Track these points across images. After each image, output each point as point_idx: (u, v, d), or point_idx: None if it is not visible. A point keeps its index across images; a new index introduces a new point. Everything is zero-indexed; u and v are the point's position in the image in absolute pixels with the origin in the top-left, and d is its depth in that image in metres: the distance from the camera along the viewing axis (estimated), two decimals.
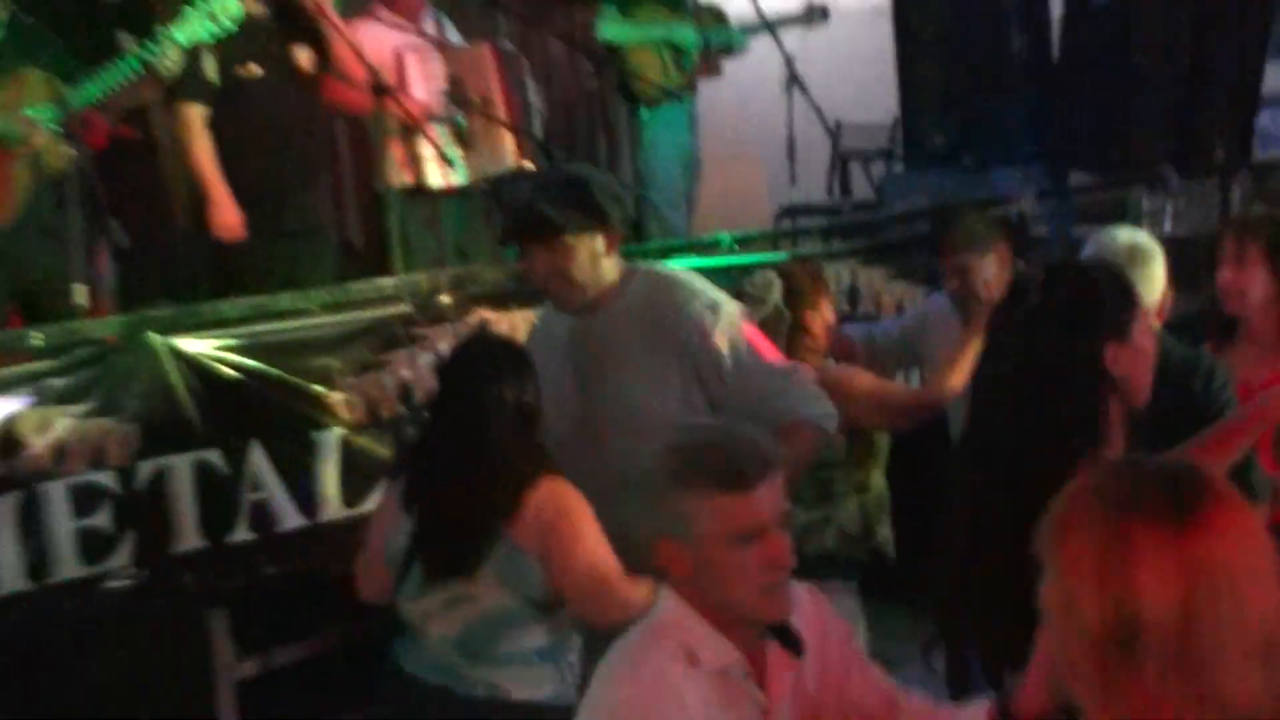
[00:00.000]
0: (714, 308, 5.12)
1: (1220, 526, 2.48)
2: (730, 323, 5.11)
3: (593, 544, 4.65)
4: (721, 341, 5.04)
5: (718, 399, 5.09)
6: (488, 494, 4.66)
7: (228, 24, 7.00)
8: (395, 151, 8.25)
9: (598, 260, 5.05)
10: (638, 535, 3.40)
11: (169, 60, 6.99)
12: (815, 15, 9.86)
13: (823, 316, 6.00)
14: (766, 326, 5.74)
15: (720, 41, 10.22)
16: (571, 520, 4.65)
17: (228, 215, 7.49)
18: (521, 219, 5.14)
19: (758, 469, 3.28)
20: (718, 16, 10.31)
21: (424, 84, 8.36)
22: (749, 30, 10.24)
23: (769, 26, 9.89)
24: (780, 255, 7.55)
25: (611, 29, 9.93)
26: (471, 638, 4.70)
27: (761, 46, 10.11)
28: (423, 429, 5.23)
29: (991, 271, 6.27)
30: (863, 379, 6.19)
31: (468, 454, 4.72)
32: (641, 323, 5.09)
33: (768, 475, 3.29)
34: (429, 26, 8.73)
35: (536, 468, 4.71)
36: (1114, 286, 4.09)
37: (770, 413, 4.97)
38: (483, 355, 4.96)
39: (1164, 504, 2.49)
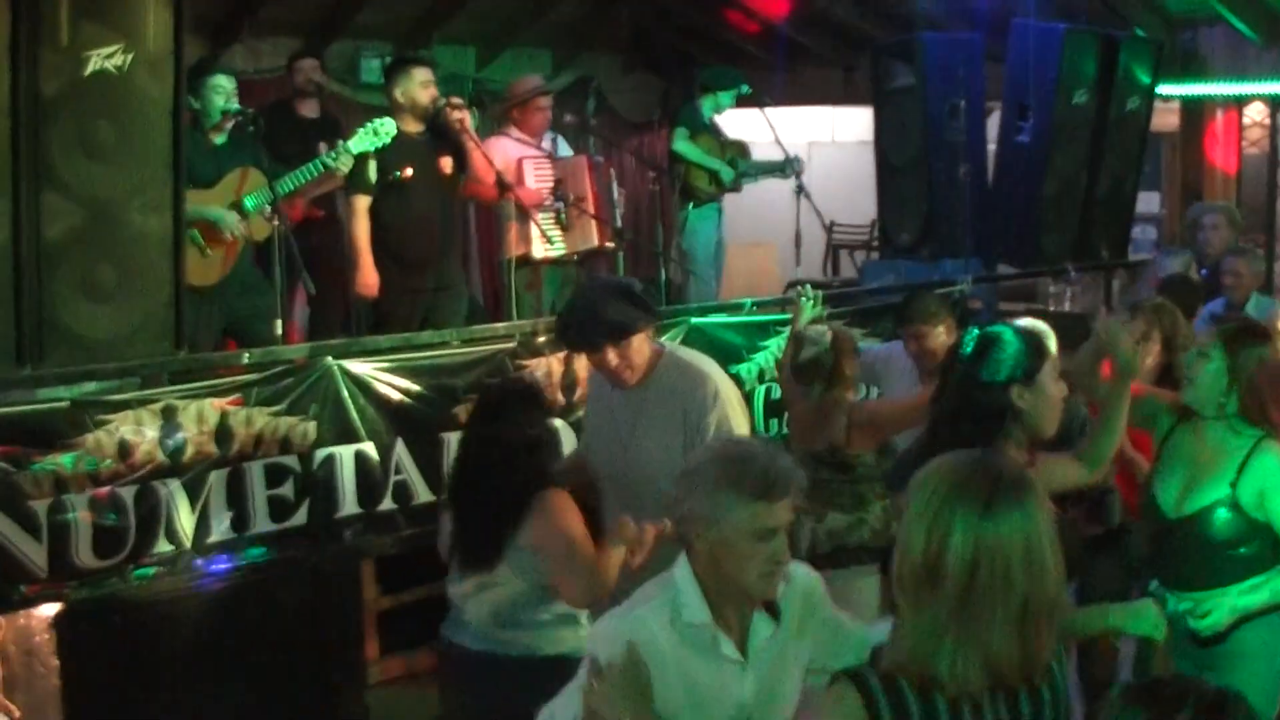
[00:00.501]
0: (716, 394, 4.86)
1: (1013, 521, 2.68)
2: (724, 410, 4.85)
3: (572, 541, 4.50)
4: (711, 420, 4.82)
5: None
6: (498, 507, 4.54)
7: (386, 140, 7.10)
8: (511, 231, 8.25)
9: (645, 346, 4.87)
10: (678, 508, 3.32)
11: (344, 165, 7.06)
12: (789, 166, 9.89)
13: (852, 365, 5.94)
14: (818, 360, 5.81)
15: (743, 170, 10.31)
16: (559, 524, 4.50)
17: (368, 278, 7.46)
18: (598, 328, 4.80)
19: (784, 487, 3.23)
20: (743, 151, 10.45)
21: (536, 183, 8.37)
22: (759, 170, 10.40)
23: (785, 163, 9.93)
24: (785, 316, 7.46)
25: (682, 145, 10.13)
26: (500, 612, 4.58)
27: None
28: (459, 453, 5.00)
29: (941, 339, 6.23)
30: (886, 406, 6.23)
31: (484, 475, 4.61)
32: (666, 401, 4.89)
33: (790, 493, 3.24)
34: (545, 142, 8.79)
35: (536, 486, 4.56)
36: (1026, 342, 4.09)
37: None
38: (499, 400, 4.81)
39: (979, 494, 2.69)
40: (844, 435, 5.76)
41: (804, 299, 6.32)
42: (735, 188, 10.41)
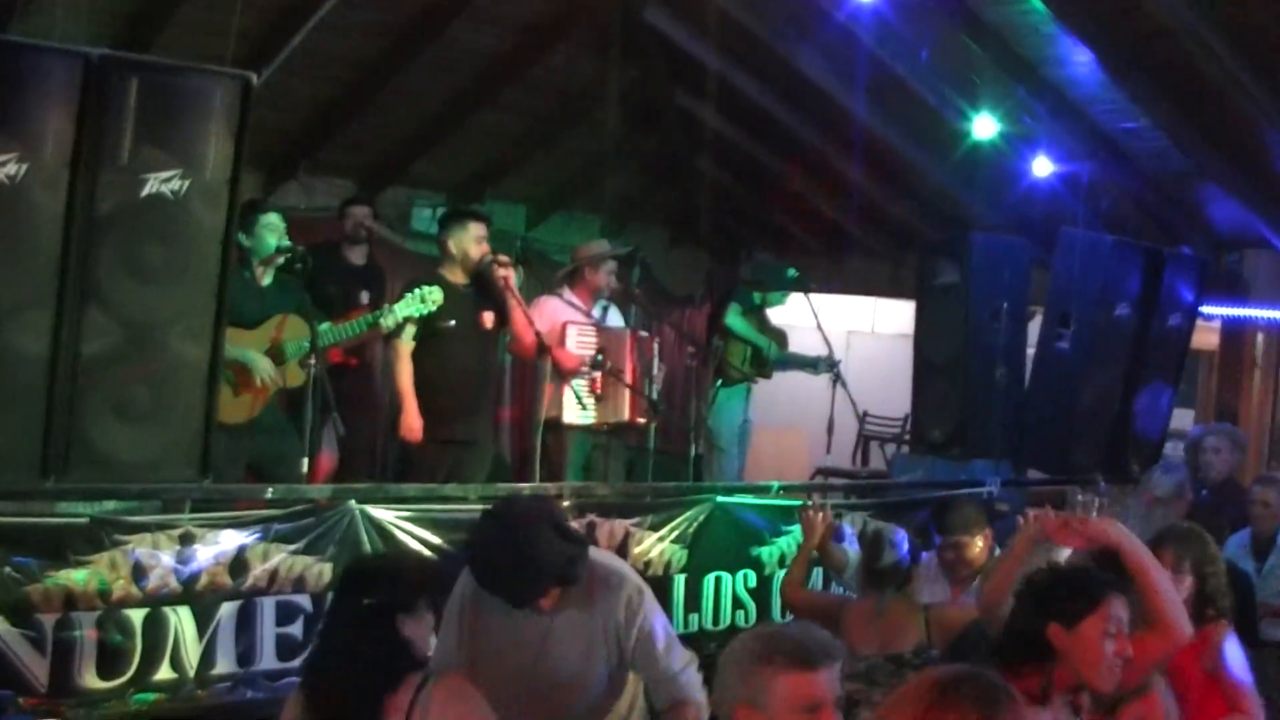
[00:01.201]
0: (639, 591, 4.60)
1: None
2: (646, 610, 4.58)
3: None
4: (640, 617, 4.55)
5: (626, 661, 4.64)
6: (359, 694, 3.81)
7: (432, 309, 7.26)
8: (546, 392, 8.28)
9: None
10: (720, 704, 3.26)
11: (389, 325, 7.17)
12: (823, 365, 9.97)
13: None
14: (898, 564, 5.93)
15: (777, 359, 10.42)
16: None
17: (413, 421, 7.55)
18: (542, 576, 4.40)
19: (822, 655, 3.18)
20: (781, 340, 10.60)
21: (578, 348, 8.44)
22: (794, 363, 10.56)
23: (819, 361, 10.06)
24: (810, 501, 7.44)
25: (734, 320, 10.30)
26: None
27: (820, 349, 10.18)
28: (321, 626, 4.46)
29: (978, 548, 6.21)
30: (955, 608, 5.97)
31: (342, 657, 3.90)
32: (583, 607, 4.56)
33: (830, 662, 3.18)
34: (595, 310, 8.86)
35: (406, 670, 3.85)
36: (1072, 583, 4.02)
37: (664, 692, 4.61)
38: (364, 583, 4.03)
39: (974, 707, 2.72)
40: (926, 634, 5.69)
41: (815, 514, 6.36)
42: (765, 374, 10.50)
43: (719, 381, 10.26)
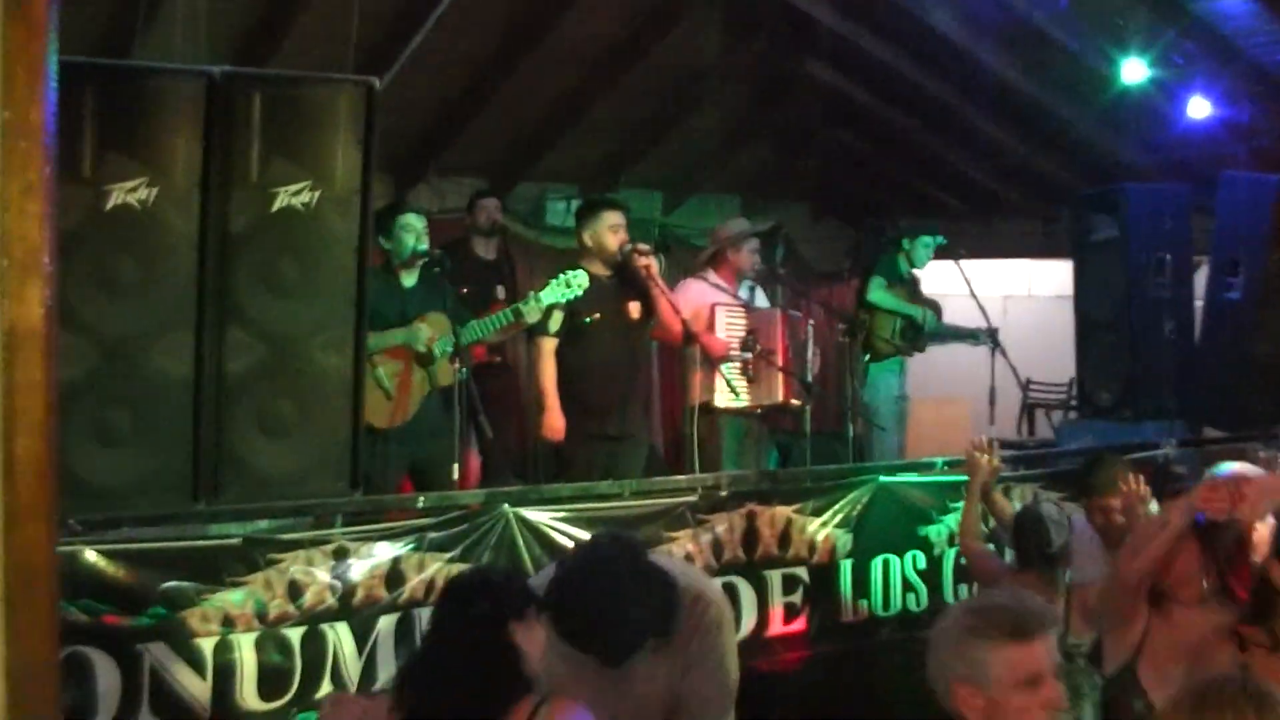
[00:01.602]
0: (717, 626, 4.32)
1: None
2: (727, 636, 4.34)
3: None
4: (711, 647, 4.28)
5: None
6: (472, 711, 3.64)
7: (578, 292, 7.17)
8: (695, 378, 8.22)
9: None
10: (937, 684, 3.20)
11: (534, 315, 7.13)
12: (982, 336, 9.79)
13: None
14: (1068, 544, 5.70)
15: (933, 330, 10.29)
16: None
17: (555, 421, 7.49)
18: (636, 633, 4.09)
19: (1037, 624, 3.13)
20: (936, 311, 10.44)
21: (726, 332, 8.36)
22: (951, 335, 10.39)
23: (977, 333, 9.92)
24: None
25: (878, 294, 10.16)
26: None
27: (975, 317, 10.00)
28: (424, 641, 4.30)
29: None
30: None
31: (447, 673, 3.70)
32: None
33: (1046, 630, 3.14)
34: (742, 291, 8.80)
35: (516, 692, 3.65)
36: None
37: None
38: (474, 591, 3.87)
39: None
40: (1065, 620, 5.40)
41: (979, 454, 6.18)
42: (918, 347, 10.34)
43: (867, 357, 10.12)
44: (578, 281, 7.27)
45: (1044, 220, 12.86)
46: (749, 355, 8.32)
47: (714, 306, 8.40)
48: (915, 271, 10.37)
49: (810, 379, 8.47)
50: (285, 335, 5.41)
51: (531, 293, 7.31)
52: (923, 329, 10.19)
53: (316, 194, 5.36)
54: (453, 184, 11.35)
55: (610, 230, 7.70)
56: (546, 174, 11.98)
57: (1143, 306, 9.26)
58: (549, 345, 7.55)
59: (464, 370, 6.82)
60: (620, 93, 11.14)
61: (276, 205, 5.31)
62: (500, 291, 9.03)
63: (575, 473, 7.35)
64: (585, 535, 6.21)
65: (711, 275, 8.71)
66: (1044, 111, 10.93)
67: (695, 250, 9.91)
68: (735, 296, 8.67)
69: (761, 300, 9.07)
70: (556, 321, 7.50)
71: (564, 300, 7.30)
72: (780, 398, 8.41)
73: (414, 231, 7.34)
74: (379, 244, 7.09)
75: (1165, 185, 9.72)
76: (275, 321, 5.38)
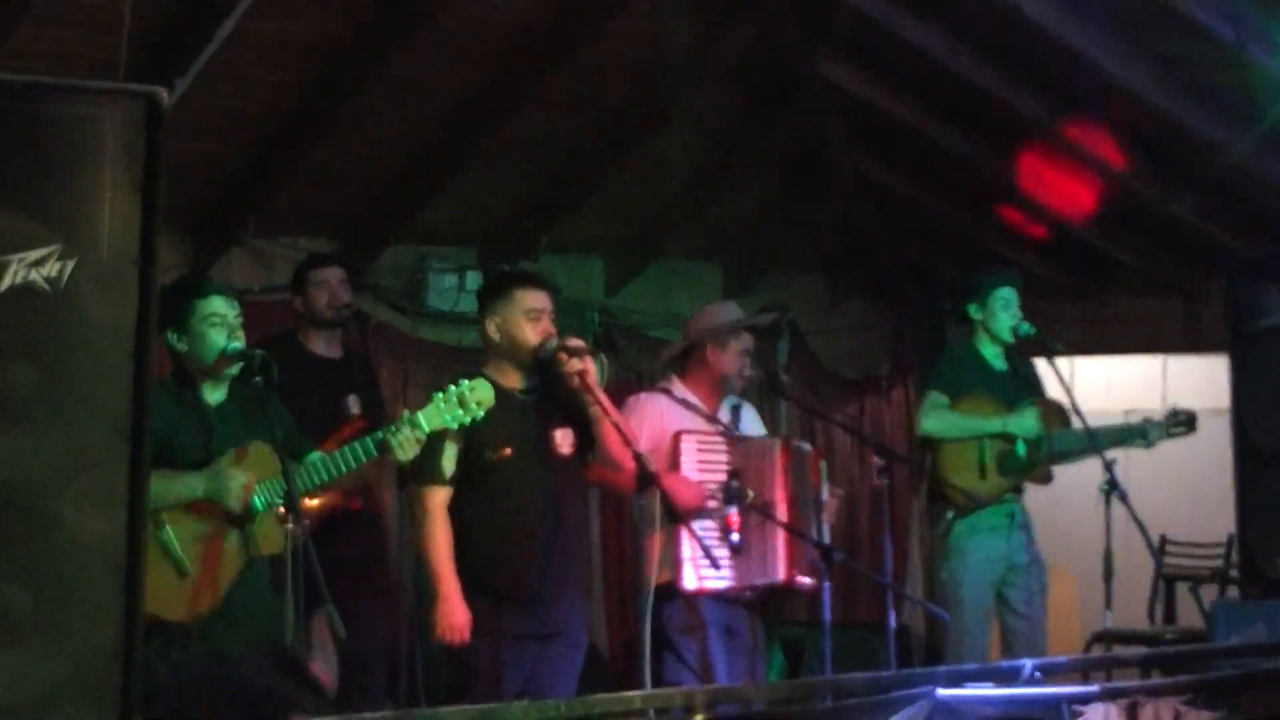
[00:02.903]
0: None
1: None
2: None
3: None
4: None
5: None
6: None
7: (478, 414, 7.11)
8: (653, 545, 8.17)
9: None
10: None
11: (406, 448, 7.06)
12: (1156, 430, 9.72)
13: None
14: None
15: (1062, 446, 9.97)
16: None
17: (455, 616, 7.47)
18: None
19: None
20: (1063, 417, 10.07)
21: (699, 471, 8.41)
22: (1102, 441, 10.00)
23: (1147, 426, 9.85)
24: (1091, 689, 7.30)
25: (933, 423, 9.82)
26: None
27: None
28: None
29: None
30: None
31: None
32: None
33: None
34: (723, 410, 8.84)
35: None
36: None
37: None
38: None
39: None
40: None
41: None
42: (1044, 477, 10.04)
43: (950, 514, 9.81)
44: (476, 396, 7.20)
45: (1184, 298, 12.95)
46: (733, 508, 8.34)
47: (679, 435, 8.44)
48: (1003, 341, 9.98)
49: (828, 541, 8.46)
50: (15, 483, 5.30)
51: (405, 413, 7.23)
52: (1041, 452, 9.94)
53: (69, 264, 5.30)
54: (285, 248, 11.25)
55: (527, 318, 7.72)
56: (427, 232, 11.91)
57: None
58: (438, 498, 7.55)
59: (301, 532, 6.71)
60: (545, 100, 10.99)
61: (6, 282, 5.24)
62: (353, 403, 8.95)
63: (479, 689, 7.37)
64: None
65: (678, 387, 8.76)
66: (1178, 130, 10.96)
67: (654, 346, 9.89)
68: (713, 419, 8.70)
69: (752, 424, 9.08)
70: (448, 460, 7.51)
71: (456, 426, 7.22)
72: (781, 574, 8.44)
73: (221, 324, 7.26)
74: (168, 342, 7.01)
75: None
76: (1, 462, 5.29)
